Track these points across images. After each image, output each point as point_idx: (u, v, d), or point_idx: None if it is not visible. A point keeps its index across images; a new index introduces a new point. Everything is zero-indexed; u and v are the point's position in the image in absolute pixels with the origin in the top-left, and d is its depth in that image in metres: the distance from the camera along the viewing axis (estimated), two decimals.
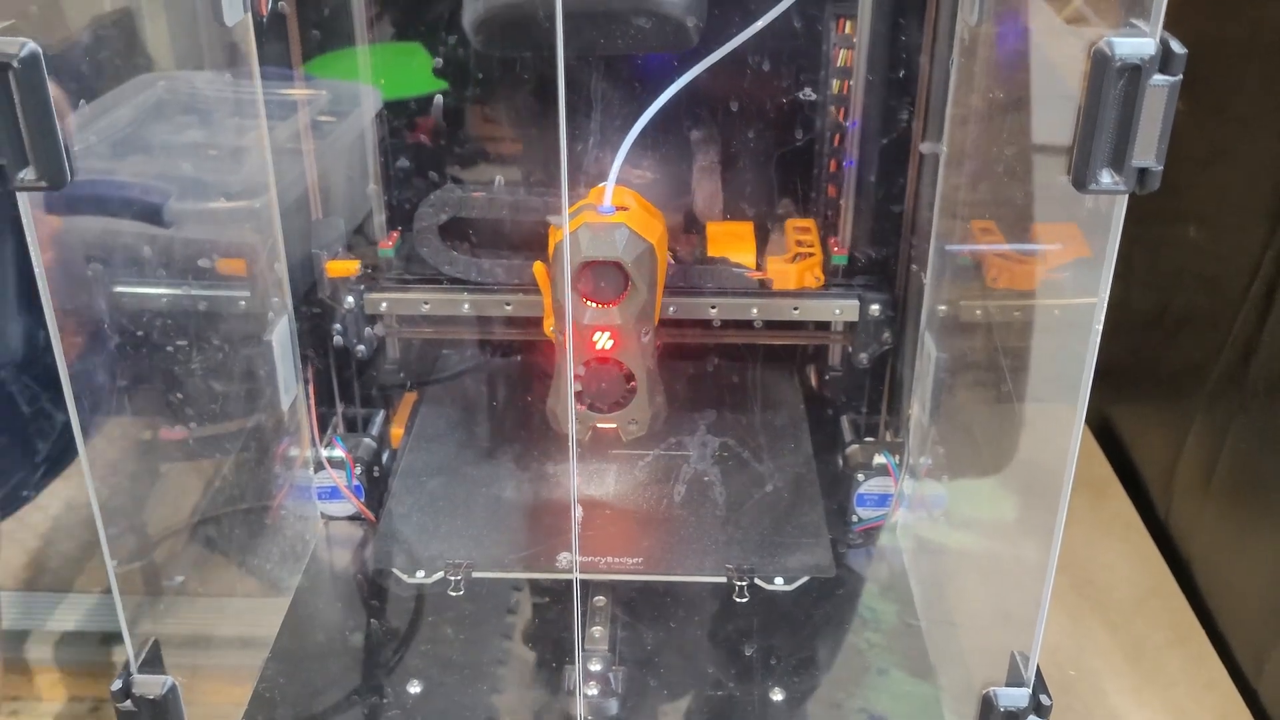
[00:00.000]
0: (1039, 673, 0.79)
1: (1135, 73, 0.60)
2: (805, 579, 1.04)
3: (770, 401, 1.25)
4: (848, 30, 1.05)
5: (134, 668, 0.79)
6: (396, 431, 1.20)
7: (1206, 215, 1.25)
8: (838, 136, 1.09)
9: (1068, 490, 0.73)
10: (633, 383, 0.99)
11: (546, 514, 1.11)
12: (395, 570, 1.05)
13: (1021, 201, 0.93)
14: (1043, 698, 0.77)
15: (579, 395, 0.99)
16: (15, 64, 0.61)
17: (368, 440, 1.13)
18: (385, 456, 1.16)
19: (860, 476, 1.10)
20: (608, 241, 0.92)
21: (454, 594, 1.02)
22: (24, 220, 0.66)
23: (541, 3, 0.85)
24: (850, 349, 1.12)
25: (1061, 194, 0.87)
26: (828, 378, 1.20)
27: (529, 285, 1.05)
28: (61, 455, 1.83)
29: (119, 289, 0.85)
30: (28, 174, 0.64)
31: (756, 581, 1.03)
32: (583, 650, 0.93)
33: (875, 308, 1.09)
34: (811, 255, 1.10)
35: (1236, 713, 1.11)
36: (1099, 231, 0.65)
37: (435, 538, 1.08)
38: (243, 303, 0.98)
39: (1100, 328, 0.67)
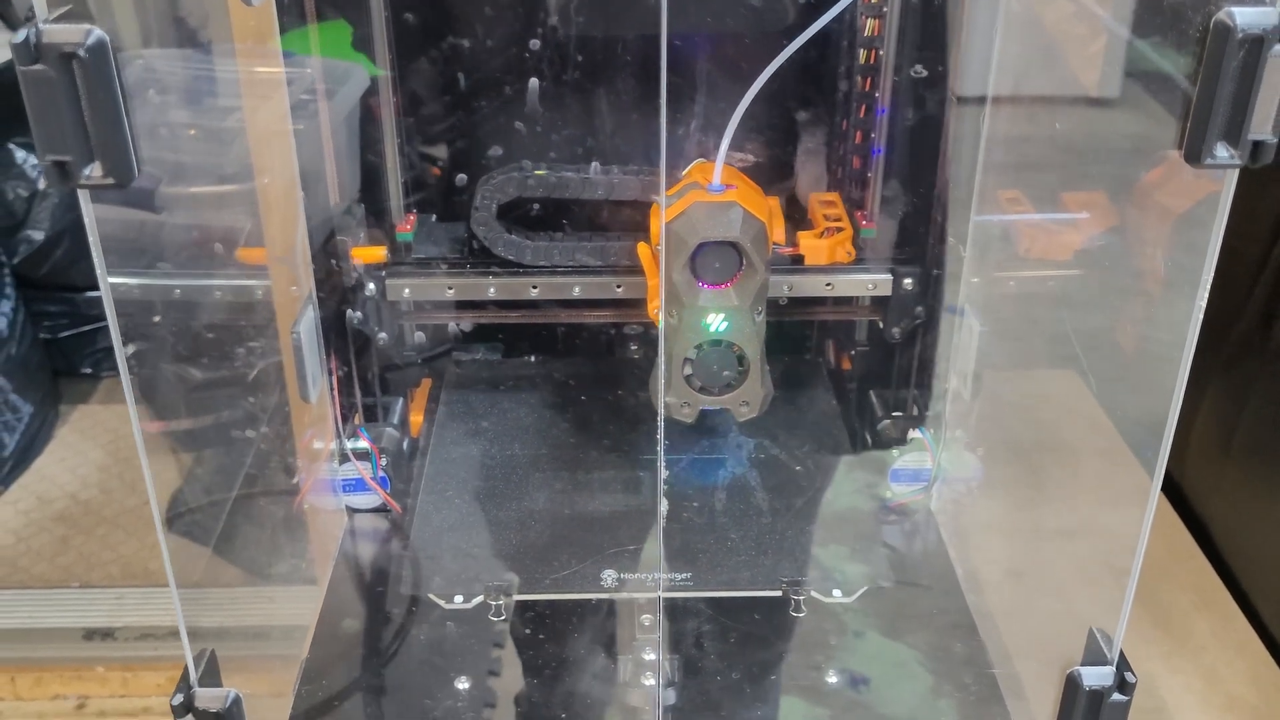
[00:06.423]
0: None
1: (1257, 44, 0.58)
2: (865, 588, 1.00)
3: (800, 387, 1.23)
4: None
5: (194, 679, 0.76)
6: (416, 419, 1.17)
7: None
8: (863, 108, 1.07)
9: (1162, 465, 0.72)
10: (745, 364, 0.96)
11: (583, 528, 1.06)
12: (432, 596, 0.99)
13: (1071, 171, 0.92)
14: (1127, 675, 0.77)
15: (689, 379, 0.95)
16: (82, 53, 0.57)
17: (390, 430, 1.10)
18: (406, 444, 1.13)
19: (895, 452, 1.09)
20: (723, 221, 0.89)
21: (495, 619, 0.97)
22: (86, 221, 0.62)
23: None
24: (882, 324, 1.10)
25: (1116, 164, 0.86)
26: (854, 354, 1.19)
27: (586, 266, 1.03)
28: (29, 449, 1.78)
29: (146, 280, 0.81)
30: (94, 170, 0.60)
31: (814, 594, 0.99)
32: (658, 673, 0.91)
33: (908, 281, 1.07)
34: (841, 230, 1.08)
35: (1269, 675, 1.12)
36: (1204, 207, 0.64)
37: (472, 559, 1.03)
38: (260, 292, 0.95)
39: (1204, 304, 0.66)
